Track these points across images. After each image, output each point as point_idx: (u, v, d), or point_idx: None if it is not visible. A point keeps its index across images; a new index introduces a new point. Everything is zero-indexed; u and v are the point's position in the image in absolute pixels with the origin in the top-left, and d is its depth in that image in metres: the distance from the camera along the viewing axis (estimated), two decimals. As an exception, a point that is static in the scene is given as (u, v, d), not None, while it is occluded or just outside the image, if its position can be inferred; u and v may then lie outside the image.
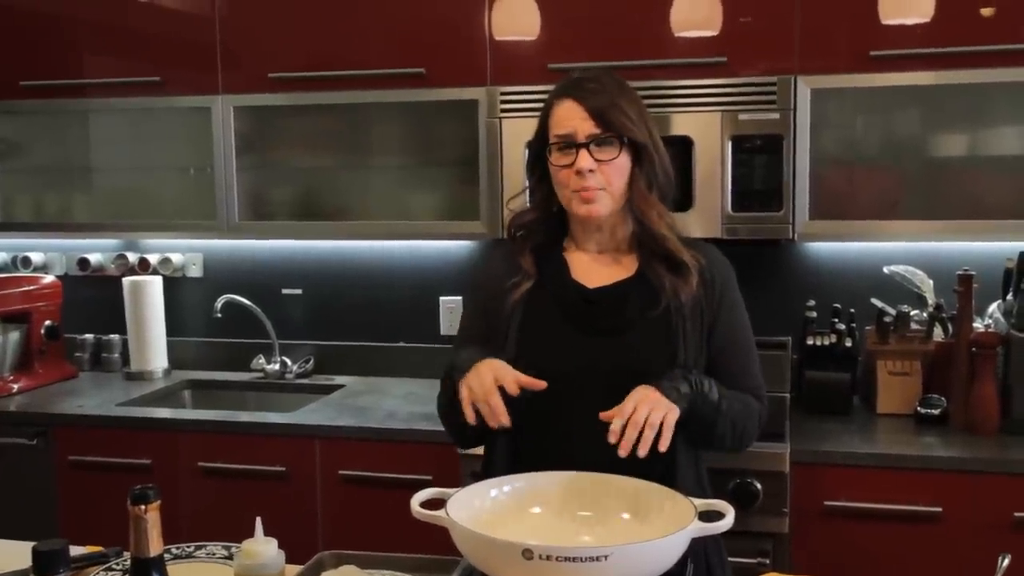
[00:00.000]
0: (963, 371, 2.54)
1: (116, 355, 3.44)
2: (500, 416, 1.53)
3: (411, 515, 1.38)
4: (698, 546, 1.47)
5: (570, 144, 1.66)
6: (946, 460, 2.34)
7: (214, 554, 1.66)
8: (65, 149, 3.26)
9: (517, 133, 2.67)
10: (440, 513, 1.36)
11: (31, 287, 3.24)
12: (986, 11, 2.48)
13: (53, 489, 2.86)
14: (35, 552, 1.21)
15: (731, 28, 2.62)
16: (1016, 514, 2.26)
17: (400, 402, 2.92)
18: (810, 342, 2.72)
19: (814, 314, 2.77)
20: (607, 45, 2.68)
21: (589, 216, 1.69)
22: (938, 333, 2.69)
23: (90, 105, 3.14)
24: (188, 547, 1.67)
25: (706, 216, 2.59)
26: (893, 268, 2.76)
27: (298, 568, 1.54)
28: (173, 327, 3.38)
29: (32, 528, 1.67)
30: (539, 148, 1.73)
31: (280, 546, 1.45)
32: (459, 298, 3.13)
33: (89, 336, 3.46)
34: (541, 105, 1.74)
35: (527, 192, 1.85)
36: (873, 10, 2.54)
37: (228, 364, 3.37)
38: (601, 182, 1.65)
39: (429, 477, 2.48)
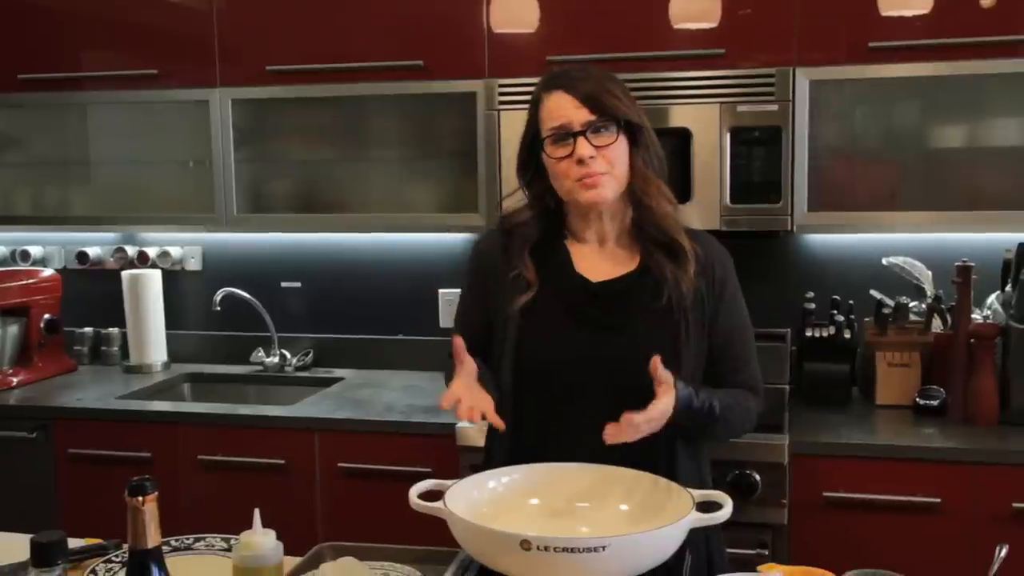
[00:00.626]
0: (962, 362, 2.53)
1: (115, 348, 3.44)
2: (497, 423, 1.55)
3: (410, 507, 1.38)
4: (697, 537, 1.48)
5: (565, 135, 1.65)
6: (945, 451, 2.34)
7: (213, 546, 1.67)
8: (63, 142, 3.25)
9: (515, 126, 2.60)
10: (439, 505, 1.36)
11: (30, 281, 3.24)
12: (985, 1, 2.47)
13: (53, 482, 2.87)
14: (33, 543, 1.21)
15: (729, 20, 2.61)
16: (1015, 505, 2.26)
17: (399, 394, 2.92)
18: (809, 334, 2.72)
19: (813, 306, 2.77)
20: (605, 37, 2.67)
21: (595, 202, 1.67)
22: (937, 324, 2.69)
23: (88, 98, 3.14)
24: (187, 539, 1.68)
25: (705, 208, 2.58)
26: (892, 259, 2.76)
27: (297, 560, 1.55)
28: (172, 320, 3.38)
29: (32, 521, 1.67)
30: (531, 145, 1.72)
31: (279, 538, 1.45)
32: (458, 290, 3.12)
33: (88, 329, 3.46)
34: None
35: (522, 191, 1.83)
36: (872, 1, 2.53)
37: (227, 357, 3.37)
38: (604, 166, 1.64)
39: (428, 469, 2.48)
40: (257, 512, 1.45)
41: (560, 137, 1.65)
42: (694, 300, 1.69)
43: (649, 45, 2.65)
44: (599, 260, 1.73)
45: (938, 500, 2.31)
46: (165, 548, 1.28)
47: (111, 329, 3.44)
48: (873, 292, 2.76)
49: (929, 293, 2.71)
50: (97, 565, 1.60)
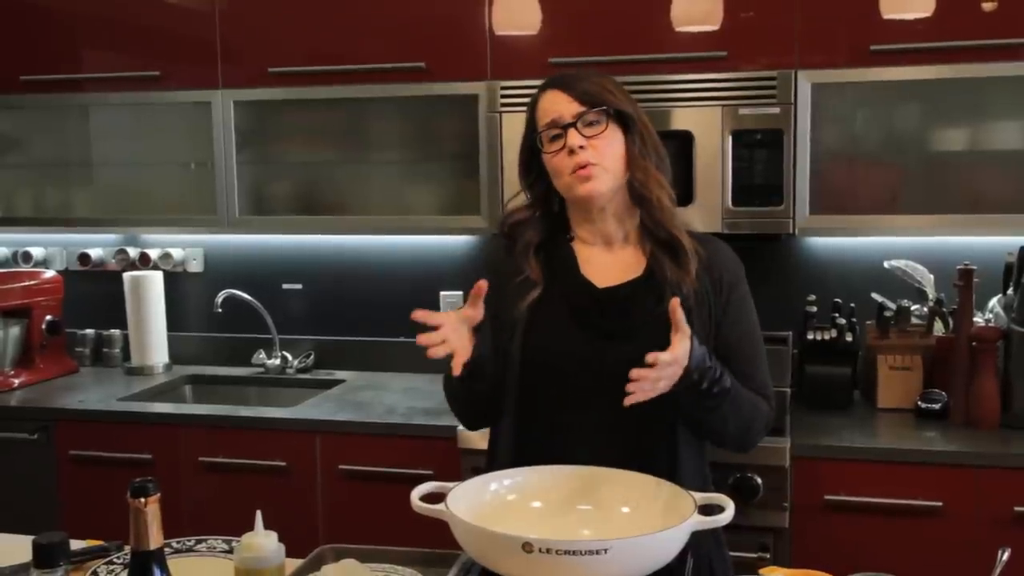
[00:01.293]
0: (964, 366, 2.53)
1: (117, 350, 3.44)
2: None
3: (411, 509, 1.38)
4: (698, 540, 1.47)
5: (558, 128, 1.66)
6: (946, 454, 2.34)
7: (215, 548, 1.67)
8: (65, 144, 3.26)
9: (517, 128, 2.59)
10: (440, 507, 1.36)
11: (32, 282, 3.24)
12: (987, 5, 2.48)
13: (54, 484, 2.87)
14: (35, 545, 1.21)
15: (731, 22, 2.62)
16: (1016, 508, 2.26)
17: (400, 397, 2.92)
18: (811, 337, 2.72)
19: (815, 309, 2.77)
20: (607, 39, 2.67)
21: (590, 195, 1.66)
22: (938, 328, 2.69)
23: (90, 100, 3.14)
24: (189, 541, 1.68)
25: (706, 211, 2.58)
26: (893, 263, 2.76)
27: (298, 562, 1.55)
28: (174, 322, 3.38)
29: (33, 523, 1.67)
30: (531, 146, 1.72)
31: (280, 540, 1.45)
32: (460, 293, 3.13)
33: (90, 331, 3.47)
34: None
35: (524, 194, 1.83)
36: (873, 4, 2.54)
37: (229, 359, 3.37)
38: (594, 156, 1.64)
39: (429, 471, 2.49)
40: (259, 514, 1.45)
41: (554, 134, 1.67)
42: (697, 301, 1.68)
43: (651, 47, 2.65)
44: (605, 264, 1.73)
45: (940, 504, 2.31)
46: (167, 550, 1.28)
47: (113, 331, 3.44)
48: (875, 295, 2.76)
49: (931, 296, 2.71)
50: (99, 567, 1.60)
